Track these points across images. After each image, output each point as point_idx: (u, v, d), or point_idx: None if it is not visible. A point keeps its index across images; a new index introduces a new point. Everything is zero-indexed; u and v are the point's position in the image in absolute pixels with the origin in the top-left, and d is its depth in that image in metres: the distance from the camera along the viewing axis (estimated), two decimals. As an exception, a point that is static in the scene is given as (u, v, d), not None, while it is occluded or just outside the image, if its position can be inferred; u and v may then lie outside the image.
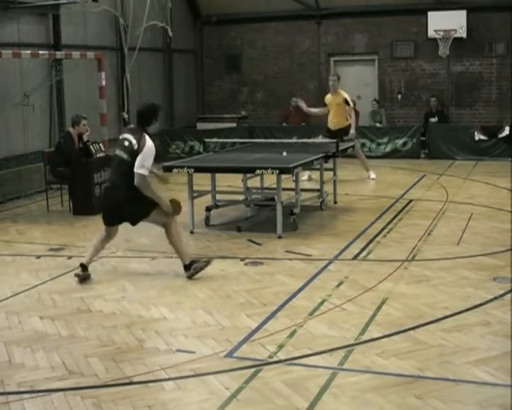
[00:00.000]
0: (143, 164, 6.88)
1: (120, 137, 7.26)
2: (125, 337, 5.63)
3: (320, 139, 12.51)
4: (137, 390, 4.69)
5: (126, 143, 7.05)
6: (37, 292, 6.89)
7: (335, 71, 12.88)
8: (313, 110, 13.34)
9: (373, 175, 13.36)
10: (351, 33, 18.57)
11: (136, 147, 6.96)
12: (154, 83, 18.09)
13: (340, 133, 12.42)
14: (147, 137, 7.01)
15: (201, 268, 7.27)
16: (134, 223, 7.37)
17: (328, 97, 12.86)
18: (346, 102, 12.56)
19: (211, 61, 19.97)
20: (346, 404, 4.42)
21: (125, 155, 7.03)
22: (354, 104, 17.53)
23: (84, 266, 7.28)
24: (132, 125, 7.49)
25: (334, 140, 10.75)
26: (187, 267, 7.26)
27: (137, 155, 6.93)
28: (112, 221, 7.33)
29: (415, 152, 16.27)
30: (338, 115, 12.67)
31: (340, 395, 4.53)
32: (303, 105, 13.06)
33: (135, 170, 6.88)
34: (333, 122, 12.81)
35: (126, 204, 7.06)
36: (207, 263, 7.37)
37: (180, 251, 7.31)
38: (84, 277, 7.23)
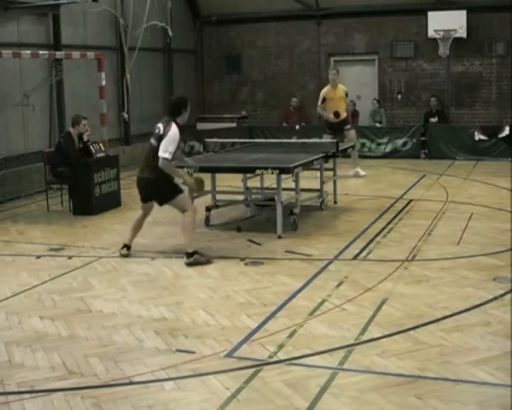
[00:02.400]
0: (167, 149, 7.49)
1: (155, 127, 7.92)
2: (125, 337, 5.63)
3: (325, 139, 12.77)
4: (137, 390, 4.69)
5: (156, 131, 7.76)
6: (37, 292, 6.88)
7: (334, 65, 13.31)
8: (325, 113, 13.40)
9: (362, 172, 13.63)
10: (351, 33, 18.57)
11: (161, 132, 7.62)
12: (154, 83, 18.08)
13: (342, 124, 13.16)
14: (173, 125, 7.62)
15: (201, 262, 7.70)
16: (161, 203, 8.02)
17: (330, 91, 12.97)
18: (347, 95, 13.32)
19: (211, 61, 19.97)
20: (346, 404, 4.41)
21: (155, 142, 7.69)
22: (354, 104, 17.61)
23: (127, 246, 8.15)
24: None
25: (335, 138, 11.42)
26: (189, 255, 7.72)
27: (162, 139, 7.56)
28: (145, 199, 8.05)
29: (415, 152, 16.28)
30: (341, 108, 13.01)
31: (340, 395, 4.53)
32: (330, 115, 13.18)
33: (159, 154, 7.52)
34: (338, 114, 13.06)
35: (156, 185, 7.72)
36: (208, 261, 7.76)
37: (188, 239, 7.79)
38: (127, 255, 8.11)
